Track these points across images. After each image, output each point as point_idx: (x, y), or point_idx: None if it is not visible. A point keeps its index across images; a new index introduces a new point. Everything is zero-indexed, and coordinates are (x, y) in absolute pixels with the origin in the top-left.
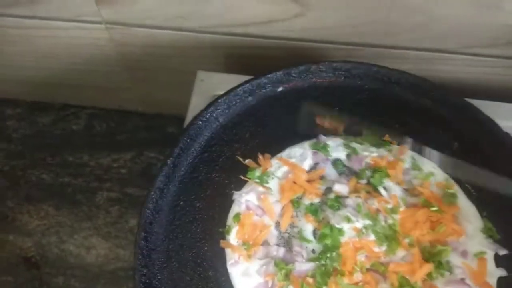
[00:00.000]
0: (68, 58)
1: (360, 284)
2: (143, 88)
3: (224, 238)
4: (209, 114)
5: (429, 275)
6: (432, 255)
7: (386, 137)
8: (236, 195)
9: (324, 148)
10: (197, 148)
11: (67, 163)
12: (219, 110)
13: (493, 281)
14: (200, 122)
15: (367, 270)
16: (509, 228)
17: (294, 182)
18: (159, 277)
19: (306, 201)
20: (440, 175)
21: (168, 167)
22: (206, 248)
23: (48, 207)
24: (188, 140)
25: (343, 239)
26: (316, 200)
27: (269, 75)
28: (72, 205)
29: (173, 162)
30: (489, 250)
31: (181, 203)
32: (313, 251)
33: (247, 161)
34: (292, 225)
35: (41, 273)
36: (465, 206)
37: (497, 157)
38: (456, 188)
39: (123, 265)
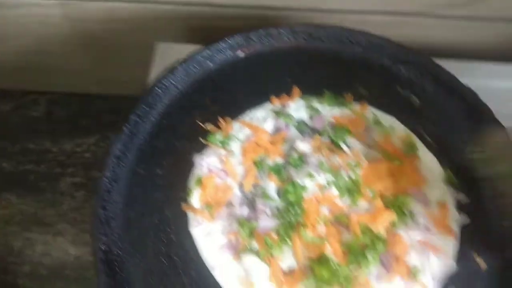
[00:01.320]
0: (19, 40)
1: (323, 236)
2: (104, 69)
3: (186, 202)
4: (167, 82)
5: (393, 224)
6: (394, 205)
7: (348, 97)
8: (197, 158)
9: (287, 115)
10: (156, 115)
11: (29, 151)
12: (177, 77)
13: (455, 228)
14: (159, 90)
15: (331, 223)
16: (470, 177)
17: (257, 144)
18: (119, 244)
19: (269, 161)
20: (400, 129)
21: (125, 135)
22: (168, 213)
23: (10, 195)
24: (146, 108)
25: (306, 195)
26: (279, 160)
27: (228, 40)
28: (35, 192)
29: (130, 130)
30: (451, 198)
31: (141, 171)
32: (277, 209)
33: (208, 126)
34: (255, 185)
35: (7, 263)
36: (426, 157)
37: (457, 112)
38: (416, 141)
39: (90, 250)
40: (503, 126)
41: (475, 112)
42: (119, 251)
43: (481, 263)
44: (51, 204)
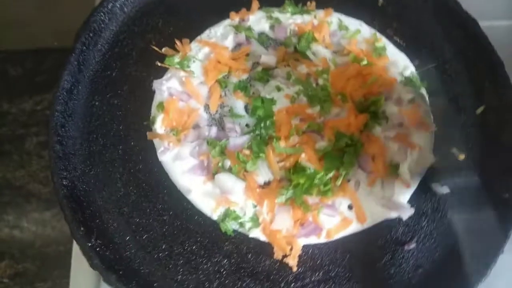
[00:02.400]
0: None
1: (297, 146)
2: (53, 16)
3: (150, 130)
4: (111, 5)
5: (366, 126)
6: (366, 108)
7: (310, 4)
8: (156, 83)
9: (247, 29)
10: (105, 43)
11: None
12: (122, 0)
13: (430, 122)
14: (102, 15)
15: (303, 132)
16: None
17: (218, 62)
18: (83, 179)
19: (234, 79)
20: (367, 31)
21: (72, 65)
22: (132, 143)
23: None
24: (91, 35)
25: (276, 108)
26: (244, 76)
27: None
28: (1, 156)
29: (77, 60)
30: (422, 94)
31: (96, 103)
32: (247, 125)
33: (164, 50)
34: (222, 105)
35: None
36: (395, 56)
37: (424, 7)
38: (384, 41)
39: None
40: (473, 18)
41: (443, 5)
42: (84, 187)
43: (458, 153)
44: (19, 166)
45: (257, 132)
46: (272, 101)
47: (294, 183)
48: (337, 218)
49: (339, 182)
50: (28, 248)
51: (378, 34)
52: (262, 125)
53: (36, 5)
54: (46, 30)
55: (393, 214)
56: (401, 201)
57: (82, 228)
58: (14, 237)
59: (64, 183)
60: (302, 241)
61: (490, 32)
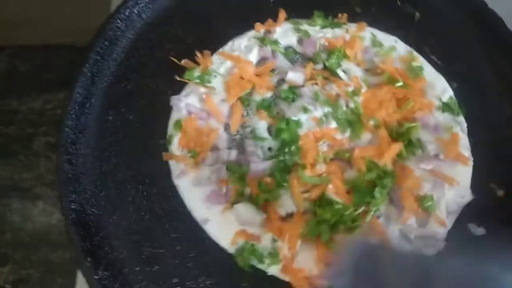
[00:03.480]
0: None
1: (324, 175)
2: (64, 12)
3: (166, 150)
4: (128, 11)
5: (400, 155)
6: (401, 135)
7: (341, 17)
8: (174, 100)
9: (273, 42)
10: (120, 53)
11: None
12: (140, 5)
13: (468, 154)
14: (119, 22)
15: (331, 160)
16: (483, 98)
17: (241, 78)
18: (93, 202)
19: (257, 96)
20: (402, 49)
21: (85, 77)
22: (146, 164)
23: None
24: (106, 44)
25: (301, 132)
26: (268, 94)
27: None
28: (7, 156)
29: (90, 71)
30: (461, 123)
31: (110, 118)
32: (270, 149)
33: (183, 62)
34: (243, 125)
35: None
36: (433, 78)
37: (466, 24)
38: (421, 60)
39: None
40: None
41: (485, 22)
42: (93, 210)
43: (498, 190)
44: (26, 167)
45: (280, 158)
46: (298, 124)
47: (319, 219)
48: None
49: (368, 219)
50: (33, 253)
51: (415, 52)
52: (286, 150)
53: (48, 2)
54: (57, 27)
55: (426, 253)
56: (436, 238)
57: (89, 259)
58: (18, 241)
59: (73, 206)
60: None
61: None
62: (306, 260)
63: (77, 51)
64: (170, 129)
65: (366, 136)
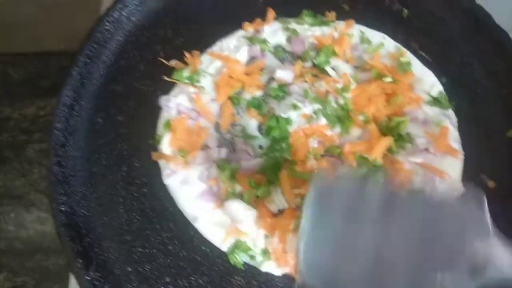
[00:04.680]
0: None
1: (315, 171)
2: (59, 18)
3: (156, 150)
4: (117, 13)
5: (390, 149)
6: (390, 129)
7: (329, 15)
8: (163, 100)
9: (262, 41)
10: (110, 55)
11: None
12: (129, 8)
13: (457, 146)
14: (108, 24)
15: (322, 156)
16: (473, 93)
17: (231, 77)
18: (83, 204)
19: (247, 95)
20: (391, 45)
21: (75, 79)
22: (136, 164)
23: None
24: (95, 46)
25: (291, 129)
26: (258, 93)
27: None
28: (0, 163)
29: (79, 73)
30: (450, 116)
31: (100, 120)
32: (260, 147)
33: (172, 63)
34: (233, 124)
35: None
36: (422, 73)
37: (454, 21)
38: (409, 56)
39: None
40: (505, 32)
41: (473, 18)
42: (84, 212)
43: (488, 181)
44: (20, 174)
45: (271, 155)
46: (288, 121)
47: None
48: None
49: None
50: (27, 261)
51: (403, 48)
52: (276, 147)
53: (42, 8)
54: (51, 34)
55: None
56: None
57: (80, 260)
58: (13, 249)
59: (63, 209)
60: None
61: None
62: None
63: (70, 58)
64: (160, 129)
65: (356, 132)
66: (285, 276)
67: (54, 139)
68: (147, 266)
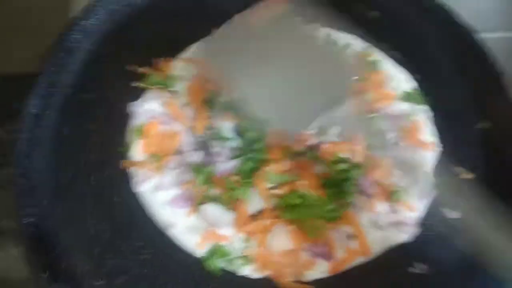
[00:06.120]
0: None
1: (292, 170)
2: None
3: (126, 158)
4: (85, 22)
5: (365, 146)
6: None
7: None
8: (133, 106)
9: None
10: (79, 63)
11: None
12: (97, 16)
13: (433, 140)
14: (76, 32)
15: (298, 155)
16: (446, 88)
17: (206, 80)
18: (50, 216)
19: (222, 98)
20: (358, 46)
21: (42, 88)
22: (106, 173)
23: None
24: (63, 55)
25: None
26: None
27: None
28: None
29: (46, 82)
30: (422, 111)
31: (67, 129)
32: (236, 148)
33: (142, 69)
34: (208, 127)
35: None
36: (392, 70)
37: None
38: (378, 55)
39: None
40: (473, 29)
41: (440, 16)
42: (50, 224)
43: (463, 172)
44: None
45: (246, 156)
46: (264, 122)
47: (293, 211)
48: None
49: (342, 212)
50: None
51: (371, 48)
52: (253, 148)
53: (13, 27)
54: (23, 54)
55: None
56: (407, 223)
57: (46, 273)
58: None
59: (30, 220)
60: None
61: (489, 44)
62: (281, 238)
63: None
64: (129, 136)
65: (335, 129)
66: (264, 279)
67: (18, 150)
68: (121, 277)
